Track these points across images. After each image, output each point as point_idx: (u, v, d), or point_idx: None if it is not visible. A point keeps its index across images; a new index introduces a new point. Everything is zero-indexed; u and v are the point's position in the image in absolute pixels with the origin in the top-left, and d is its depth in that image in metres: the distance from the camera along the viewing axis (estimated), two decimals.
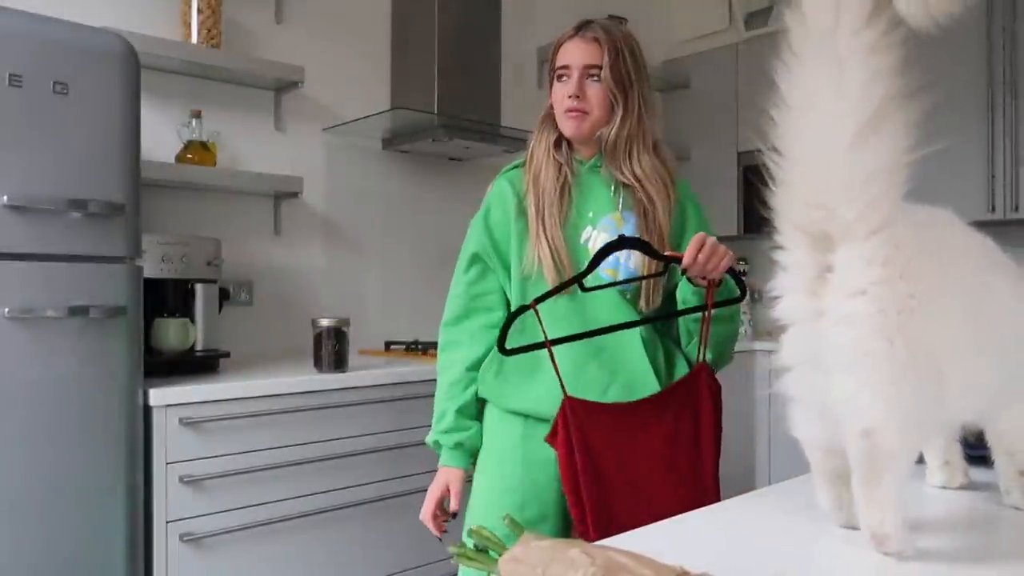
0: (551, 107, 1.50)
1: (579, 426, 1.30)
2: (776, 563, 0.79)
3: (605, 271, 1.40)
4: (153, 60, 2.31)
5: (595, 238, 1.44)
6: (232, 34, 2.59)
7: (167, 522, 1.82)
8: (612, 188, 1.46)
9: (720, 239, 1.34)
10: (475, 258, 1.50)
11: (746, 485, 3.21)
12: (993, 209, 2.86)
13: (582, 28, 1.47)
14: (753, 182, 3.61)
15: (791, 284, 0.80)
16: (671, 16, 4.05)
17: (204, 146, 2.43)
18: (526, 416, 1.43)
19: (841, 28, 0.73)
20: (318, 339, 2.16)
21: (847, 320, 0.75)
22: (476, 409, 1.50)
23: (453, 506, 1.46)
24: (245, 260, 2.64)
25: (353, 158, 2.90)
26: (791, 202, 0.79)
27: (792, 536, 0.88)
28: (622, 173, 1.44)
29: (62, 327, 1.64)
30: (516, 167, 1.54)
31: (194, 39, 2.43)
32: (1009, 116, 2.87)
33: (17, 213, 1.59)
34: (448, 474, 1.47)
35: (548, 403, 1.36)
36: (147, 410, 1.80)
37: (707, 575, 0.60)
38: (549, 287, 1.36)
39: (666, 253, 1.37)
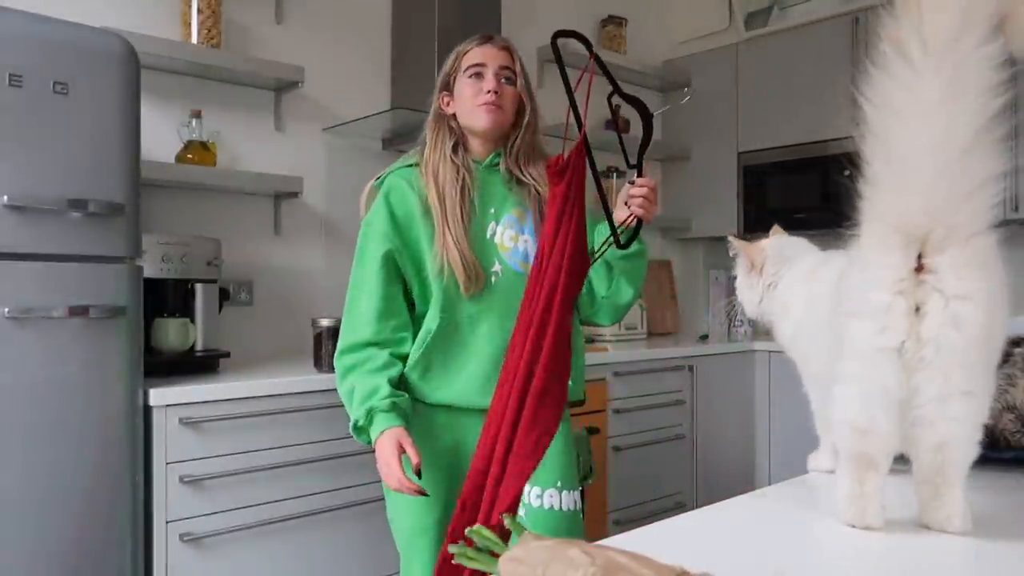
0: (440, 110, 1.60)
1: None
2: (776, 563, 0.79)
3: (518, 263, 1.52)
4: (153, 60, 2.31)
5: (501, 233, 1.54)
6: (232, 34, 2.59)
7: (167, 522, 1.82)
8: (509, 186, 1.57)
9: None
10: (387, 257, 1.52)
11: (746, 485, 3.21)
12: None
13: (491, 38, 1.59)
14: (753, 182, 3.61)
15: (879, 281, 0.83)
16: (671, 16, 4.05)
17: (204, 146, 2.43)
18: (449, 407, 1.51)
19: (964, 40, 0.76)
20: (318, 339, 2.16)
21: (953, 324, 0.79)
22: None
23: (415, 458, 1.40)
24: (245, 260, 2.64)
25: (353, 158, 2.90)
26: (889, 204, 0.82)
27: (792, 536, 0.88)
28: (523, 173, 1.56)
29: (62, 327, 1.64)
30: (408, 166, 1.60)
31: (194, 39, 2.43)
32: (1009, 116, 2.87)
33: (17, 213, 1.59)
34: (394, 433, 1.42)
35: (475, 393, 1.47)
36: (147, 410, 1.80)
37: (707, 575, 0.60)
38: (460, 284, 1.46)
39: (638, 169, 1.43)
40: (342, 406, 2.14)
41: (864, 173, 0.83)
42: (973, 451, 0.83)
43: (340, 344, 1.57)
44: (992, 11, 0.77)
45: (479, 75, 1.54)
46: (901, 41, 0.79)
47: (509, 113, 1.55)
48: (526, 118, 1.57)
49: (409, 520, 1.53)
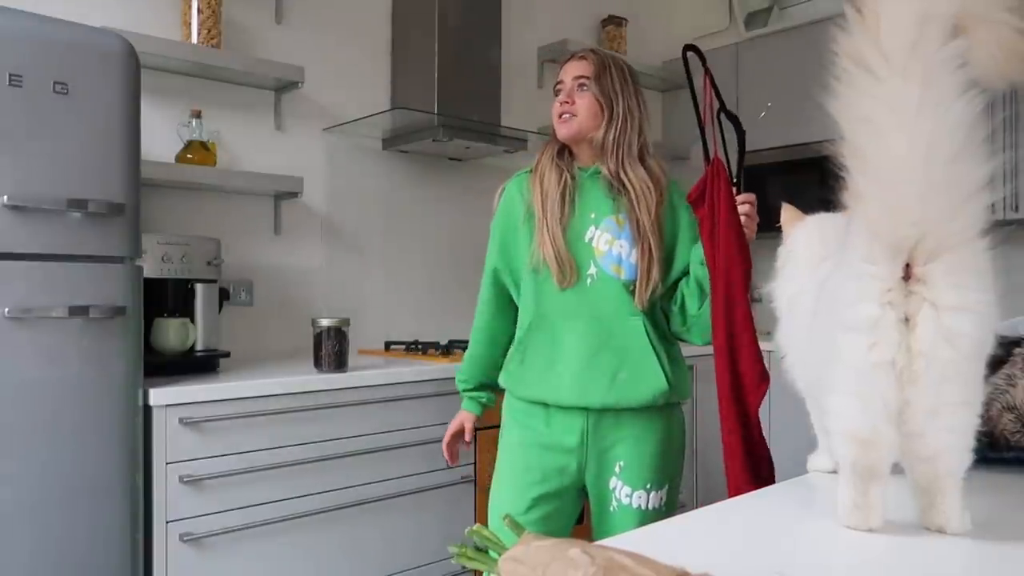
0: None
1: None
2: (776, 563, 0.79)
3: (611, 267, 1.60)
4: (153, 60, 2.31)
5: (598, 237, 1.62)
6: (232, 34, 2.59)
7: (167, 522, 1.82)
8: (611, 194, 1.63)
9: None
10: (494, 273, 1.75)
11: None
12: (993, 209, 2.86)
13: (579, 53, 1.71)
14: (753, 182, 3.61)
15: (868, 293, 0.81)
16: (671, 16, 4.05)
17: (204, 146, 2.43)
18: (546, 404, 1.61)
19: (925, 46, 0.75)
20: (318, 339, 2.16)
21: (947, 338, 0.78)
22: (494, 380, 1.78)
23: (467, 438, 1.84)
24: (245, 260, 2.63)
25: (353, 158, 2.90)
26: (874, 216, 0.80)
27: (792, 536, 0.88)
28: (611, 172, 1.62)
29: (62, 327, 1.64)
30: (524, 173, 1.74)
31: (194, 39, 2.43)
32: (1009, 116, 2.87)
33: (17, 213, 1.59)
34: (465, 416, 1.84)
35: (567, 391, 1.57)
36: (147, 410, 1.80)
37: (707, 575, 0.60)
38: (553, 277, 1.58)
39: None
40: (342, 406, 2.16)
41: (847, 186, 0.81)
42: (967, 459, 0.83)
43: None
44: (950, 13, 0.76)
45: (559, 91, 1.69)
46: (861, 54, 0.77)
47: (585, 119, 1.64)
48: (606, 117, 1.63)
49: (502, 507, 1.65)
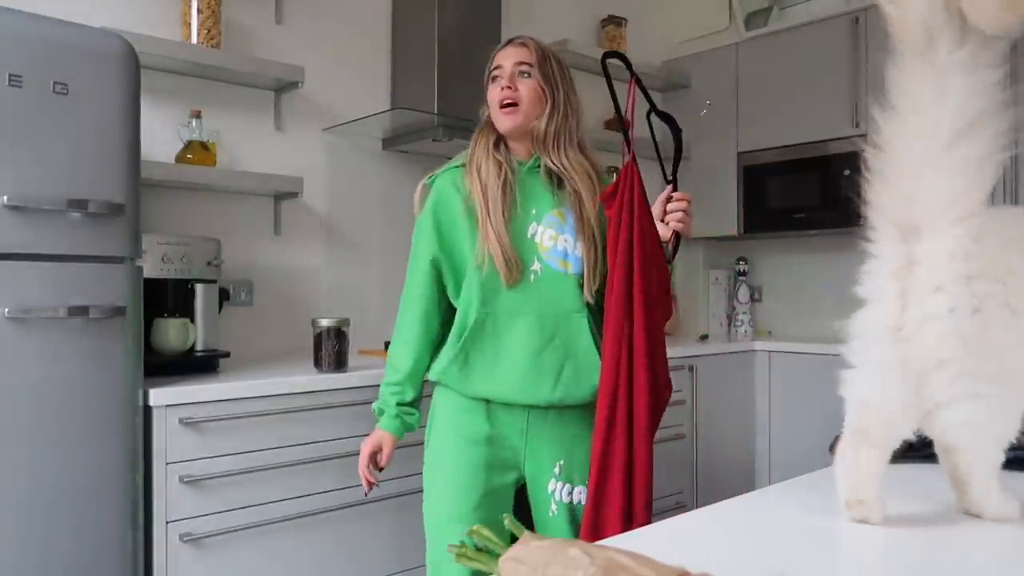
0: (487, 115, 1.66)
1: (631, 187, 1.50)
2: (776, 563, 0.79)
3: (557, 262, 1.58)
4: (153, 60, 2.31)
5: (541, 233, 1.59)
6: (232, 34, 2.59)
7: (167, 522, 1.82)
8: (551, 188, 1.61)
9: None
10: (432, 264, 1.63)
11: (746, 485, 3.21)
12: (992, 204, 2.86)
13: (515, 39, 1.65)
14: (753, 182, 3.61)
15: (878, 271, 0.85)
16: (671, 16, 4.05)
17: (204, 146, 2.43)
18: (488, 401, 1.58)
19: (937, 48, 0.79)
20: (318, 339, 2.16)
21: (927, 319, 0.80)
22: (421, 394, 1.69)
23: (385, 463, 1.66)
24: (245, 260, 2.63)
25: (353, 158, 2.90)
26: (884, 194, 0.84)
27: (792, 536, 0.88)
28: (552, 163, 1.60)
29: (62, 327, 1.64)
30: (456, 167, 1.67)
31: (194, 39, 2.43)
32: (1009, 116, 2.86)
33: (17, 213, 1.59)
34: (384, 437, 1.65)
35: (514, 388, 1.55)
36: (147, 410, 1.80)
37: (707, 575, 0.60)
38: (501, 279, 1.54)
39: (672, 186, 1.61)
40: (342, 406, 2.16)
41: (871, 166, 0.85)
42: (991, 452, 0.83)
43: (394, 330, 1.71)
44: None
45: (497, 77, 1.62)
46: (895, 42, 0.82)
47: (529, 107, 1.59)
48: (555, 107, 1.60)
49: (446, 506, 1.59)
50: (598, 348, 1.56)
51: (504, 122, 1.60)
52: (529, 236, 1.58)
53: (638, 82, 1.53)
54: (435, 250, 1.62)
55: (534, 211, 1.60)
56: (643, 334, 1.47)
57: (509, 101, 1.58)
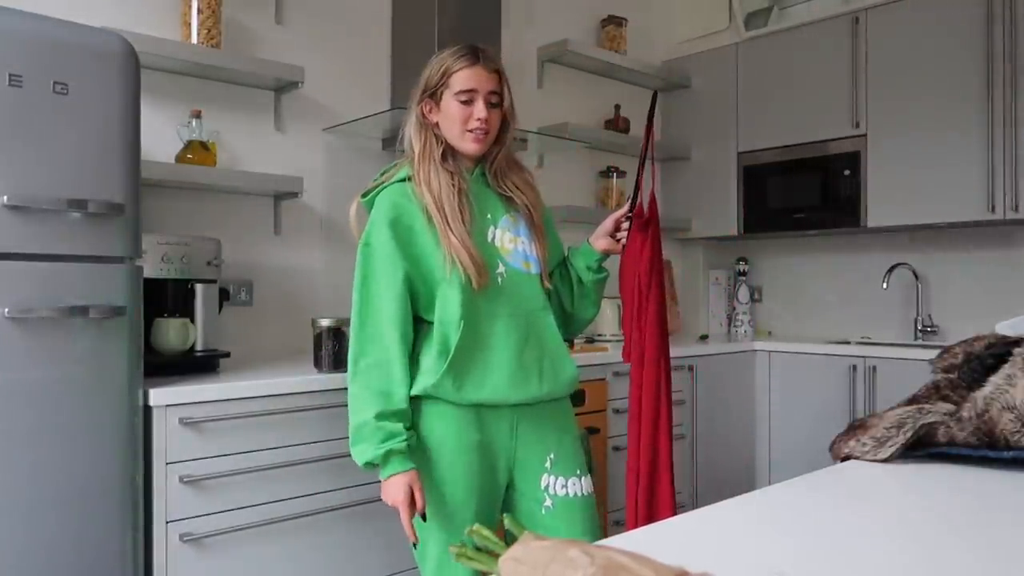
0: (424, 117, 1.64)
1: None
2: (776, 563, 0.79)
3: (520, 263, 1.64)
4: (153, 60, 2.31)
5: (500, 236, 1.64)
6: (232, 34, 2.59)
7: (167, 522, 1.82)
8: (498, 193, 1.68)
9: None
10: (406, 281, 1.56)
11: (746, 485, 3.21)
12: (993, 209, 2.86)
13: (480, 56, 1.60)
14: (752, 182, 3.61)
15: None
16: (671, 16, 4.05)
17: (204, 146, 2.43)
18: (478, 406, 1.58)
19: None
20: (318, 339, 2.16)
21: None
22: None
23: (421, 507, 1.51)
24: (245, 260, 2.64)
25: (353, 158, 2.90)
26: None
27: (792, 536, 0.88)
28: (504, 187, 1.67)
29: (62, 327, 1.64)
30: (401, 182, 1.63)
31: (194, 39, 2.43)
32: (1009, 116, 2.87)
33: (17, 213, 1.59)
34: (408, 477, 1.51)
35: (506, 389, 1.57)
36: (147, 410, 1.80)
37: (707, 575, 0.60)
38: (472, 279, 1.53)
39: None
40: (342, 406, 2.14)
41: None
42: None
43: (356, 360, 1.56)
44: None
45: (469, 101, 1.59)
46: None
47: (493, 136, 1.65)
48: (508, 134, 1.68)
49: (447, 534, 1.55)
50: (565, 338, 1.70)
51: (470, 147, 1.62)
52: (490, 240, 1.63)
53: (650, 126, 1.77)
54: (406, 266, 1.56)
55: (489, 216, 1.64)
56: (667, 349, 1.75)
57: (480, 131, 1.60)
